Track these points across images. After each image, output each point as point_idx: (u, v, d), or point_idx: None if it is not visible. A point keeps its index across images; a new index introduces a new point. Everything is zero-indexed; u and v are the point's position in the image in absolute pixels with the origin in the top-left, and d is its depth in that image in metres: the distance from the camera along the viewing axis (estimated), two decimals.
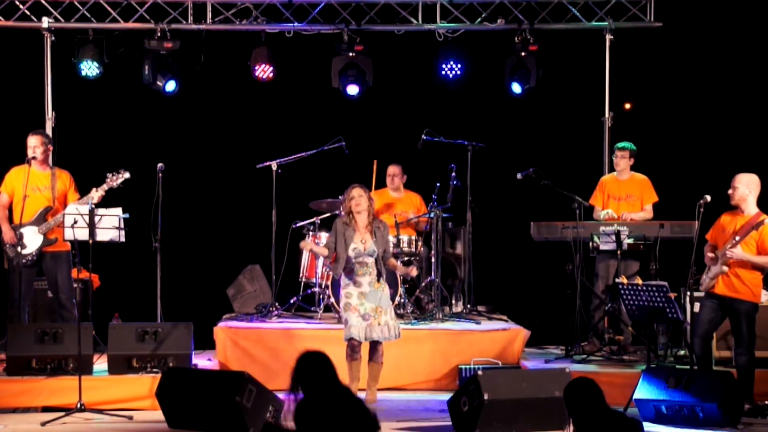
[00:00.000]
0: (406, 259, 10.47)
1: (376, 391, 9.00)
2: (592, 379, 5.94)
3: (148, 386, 8.73)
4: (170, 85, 11.31)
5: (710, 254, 8.71)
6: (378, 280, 8.85)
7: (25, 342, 8.93)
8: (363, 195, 8.91)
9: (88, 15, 11.19)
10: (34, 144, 9.52)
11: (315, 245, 9.57)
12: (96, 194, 9.28)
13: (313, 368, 5.70)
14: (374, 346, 8.92)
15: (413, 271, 9.36)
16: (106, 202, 9.29)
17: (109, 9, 11.21)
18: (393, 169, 11.21)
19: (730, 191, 8.62)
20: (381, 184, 11.29)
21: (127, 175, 9.43)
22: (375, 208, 11.03)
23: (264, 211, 10.85)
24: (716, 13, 11.29)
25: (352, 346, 8.84)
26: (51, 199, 9.51)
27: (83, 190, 9.55)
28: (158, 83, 11.29)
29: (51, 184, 9.53)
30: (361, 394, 8.84)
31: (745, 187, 8.59)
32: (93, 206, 8.82)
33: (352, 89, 11.41)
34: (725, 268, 8.55)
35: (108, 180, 9.37)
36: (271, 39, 11.42)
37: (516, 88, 11.41)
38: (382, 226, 9.01)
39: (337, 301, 10.26)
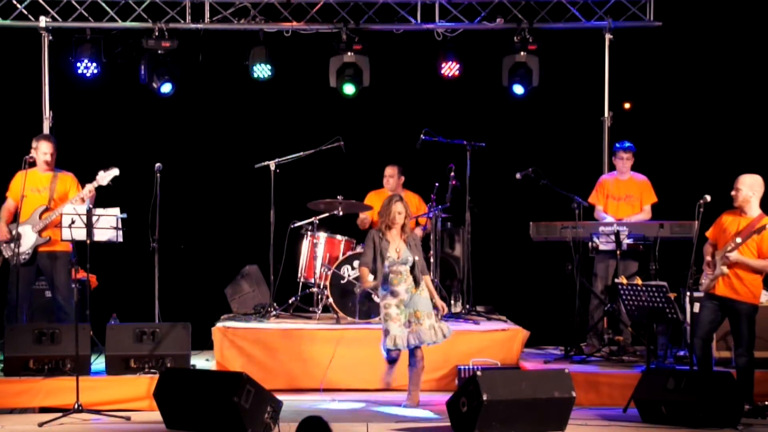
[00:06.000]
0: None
1: (419, 394, 8.93)
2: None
3: (146, 387, 8.71)
4: (166, 87, 11.28)
5: (708, 258, 8.68)
6: (416, 286, 8.79)
7: (23, 342, 8.91)
8: (405, 209, 8.85)
9: (86, 14, 11.17)
10: (49, 150, 9.47)
11: (369, 282, 8.83)
12: (85, 191, 9.26)
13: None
14: (413, 351, 8.84)
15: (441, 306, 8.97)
16: (104, 202, 9.26)
17: (106, 8, 11.18)
18: (390, 170, 11.18)
19: (733, 193, 8.57)
20: (374, 181, 11.27)
21: (116, 171, 9.38)
22: (373, 208, 11.10)
23: (262, 211, 10.83)
24: (716, 12, 11.27)
25: (392, 357, 8.86)
26: (48, 200, 9.47)
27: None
28: (155, 84, 11.25)
29: (50, 185, 9.49)
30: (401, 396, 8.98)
31: (749, 188, 8.53)
32: (91, 206, 8.79)
33: (349, 88, 11.38)
34: (725, 270, 8.51)
35: (97, 178, 9.33)
36: (270, 38, 11.39)
37: (518, 89, 11.37)
38: (414, 235, 8.98)
39: (336, 301, 10.26)
